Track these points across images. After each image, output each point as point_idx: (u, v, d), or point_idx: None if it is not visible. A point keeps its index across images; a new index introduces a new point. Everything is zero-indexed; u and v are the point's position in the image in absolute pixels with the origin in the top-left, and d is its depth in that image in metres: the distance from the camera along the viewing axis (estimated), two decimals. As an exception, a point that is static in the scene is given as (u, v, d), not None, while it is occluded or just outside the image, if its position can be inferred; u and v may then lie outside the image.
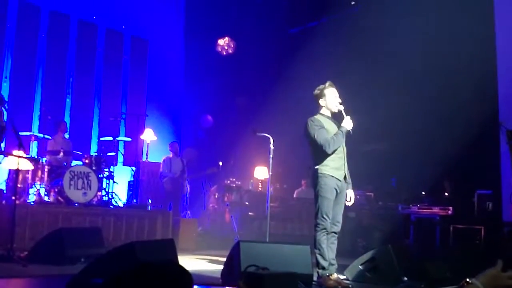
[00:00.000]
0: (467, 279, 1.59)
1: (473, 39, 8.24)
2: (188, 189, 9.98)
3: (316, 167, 4.86)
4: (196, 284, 4.19)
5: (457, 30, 8.40)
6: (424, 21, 9.06)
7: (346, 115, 4.91)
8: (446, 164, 8.42)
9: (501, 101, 8.06)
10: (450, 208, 7.56)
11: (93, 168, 7.60)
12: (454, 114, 8.57)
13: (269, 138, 6.19)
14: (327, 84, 5.02)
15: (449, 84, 8.62)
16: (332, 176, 4.81)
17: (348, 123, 4.88)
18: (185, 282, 1.20)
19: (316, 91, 5.06)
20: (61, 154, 7.75)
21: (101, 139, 9.29)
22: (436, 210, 7.65)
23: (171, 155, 9.60)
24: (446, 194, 8.63)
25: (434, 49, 8.88)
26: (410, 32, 9.06)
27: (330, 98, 4.98)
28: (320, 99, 5.03)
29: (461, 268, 5.30)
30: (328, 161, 4.84)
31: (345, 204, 4.99)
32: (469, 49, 8.30)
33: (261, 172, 10.67)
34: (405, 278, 4.98)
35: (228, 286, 4.10)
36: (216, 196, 10.62)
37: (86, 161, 7.79)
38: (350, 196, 5.06)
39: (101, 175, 7.92)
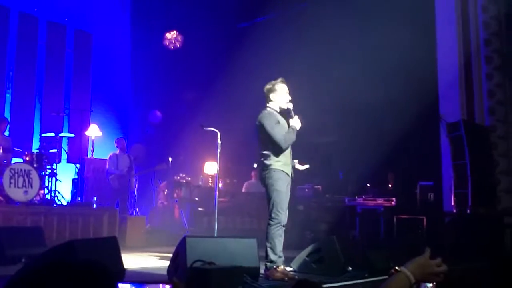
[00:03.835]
0: (396, 267, 1.63)
1: (415, 35, 8.50)
2: (136, 185, 9.81)
3: (269, 162, 4.87)
4: (129, 283, 4.10)
5: (400, 28, 8.63)
6: (369, 20, 9.25)
7: (295, 114, 4.94)
8: (390, 157, 8.68)
9: (441, 96, 8.38)
10: (394, 199, 7.81)
11: (35, 165, 7.33)
12: (397, 109, 8.84)
13: (217, 133, 6.15)
14: (279, 80, 5.03)
15: (392, 80, 8.86)
16: (282, 171, 4.86)
17: (297, 123, 4.92)
18: (104, 282, 1.09)
19: (267, 85, 5.05)
20: (0, 151, 7.44)
21: (43, 135, 8.99)
22: (380, 201, 7.88)
23: (117, 151, 9.40)
24: (390, 185, 8.90)
25: (379, 46, 9.11)
26: (355, 30, 9.25)
27: (281, 94, 4.98)
28: (271, 94, 5.01)
29: (404, 257, 5.45)
30: (281, 156, 4.87)
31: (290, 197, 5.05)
32: (411, 45, 8.56)
33: (211, 167, 10.60)
34: (350, 268, 5.08)
35: (161, 283, 4.04)
36: (166, 193, 10.48)
37: (27, 158, 7.51)
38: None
39: (43, 173, 7.67)
